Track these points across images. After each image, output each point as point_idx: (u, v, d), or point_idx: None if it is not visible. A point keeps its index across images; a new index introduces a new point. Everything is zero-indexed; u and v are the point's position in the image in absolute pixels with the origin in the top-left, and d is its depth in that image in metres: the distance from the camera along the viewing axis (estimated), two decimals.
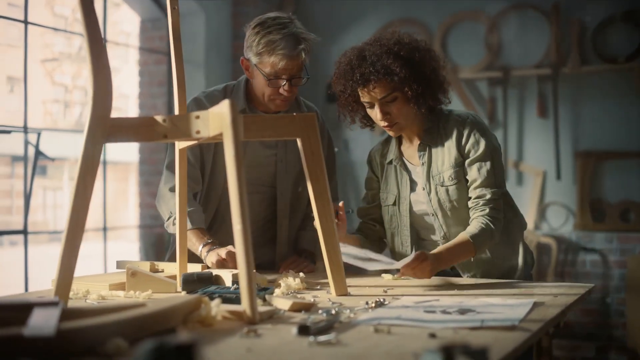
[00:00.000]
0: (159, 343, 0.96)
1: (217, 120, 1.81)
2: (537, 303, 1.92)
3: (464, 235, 2.39)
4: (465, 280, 2.48)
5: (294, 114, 2.13)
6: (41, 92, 16.18)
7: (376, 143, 2.79)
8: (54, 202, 17.54)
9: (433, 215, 2.54)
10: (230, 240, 2.70)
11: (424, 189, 2.56)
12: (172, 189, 2.60)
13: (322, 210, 2.10)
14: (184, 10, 5.65)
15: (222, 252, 2.45)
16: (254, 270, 2.46)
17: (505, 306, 1.87)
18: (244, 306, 1.68)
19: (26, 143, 4.57)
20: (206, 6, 5.67)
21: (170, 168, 2.65)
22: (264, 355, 1.35)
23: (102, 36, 1.89)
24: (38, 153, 4.47)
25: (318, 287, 2.30)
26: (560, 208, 5.41)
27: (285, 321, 1.68)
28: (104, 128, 1.90)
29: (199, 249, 2.57)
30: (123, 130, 1.93)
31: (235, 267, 2.40)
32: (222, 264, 2.42)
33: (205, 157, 2.69)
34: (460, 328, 1.59)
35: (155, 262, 2.46)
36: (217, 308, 1.65)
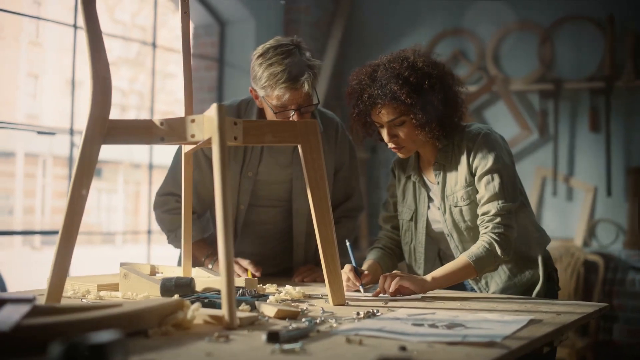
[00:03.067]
0: (70, 342, 0.95)
1: (208, 124, 1.82)
2: (534, 320, 1.86)
3: (463, 258, 2.33)
4: (472, 294, 2.42)
5: (295, 120, 2.11)
6: None
7: None
8: (108, 204, 17.92)
9: (449, 235, 2.49)
10: (240, 248, 2.71)
11: (439, 208, 2.51)
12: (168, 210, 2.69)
13: (321, 218, 2.07)
14: (234, 17, 5.71)
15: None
16: (256, 277, 2.48)
17: (499, 322, 1.81)
18: (223, 311, 1.67)
19: (72, 145, 4.67)
20: (257, 13, 5.71)
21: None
22: None
23: (102, 36, 1.91)
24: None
25: (320, 295, 2.28)
26: (610, 225, 5.25)
27: (264, 328, 1.67)
28: (103, 129, 1.92)
29: (202, 262, 2.61)
30: (121, 132, 1.94)
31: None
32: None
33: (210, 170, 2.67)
34: (437, 342, 1.55)
35: (157, 265, 2.47)
36: (192, 312, 1.64)
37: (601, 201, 5.28)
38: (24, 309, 1.44)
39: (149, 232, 5.62)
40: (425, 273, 2.54)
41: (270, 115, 2.54)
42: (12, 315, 1.39)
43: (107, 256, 11.26)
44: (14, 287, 5.01)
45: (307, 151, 2.06)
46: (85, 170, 1.91)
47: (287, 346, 1.44)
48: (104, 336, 0.98)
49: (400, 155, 2.50)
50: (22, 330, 1.32)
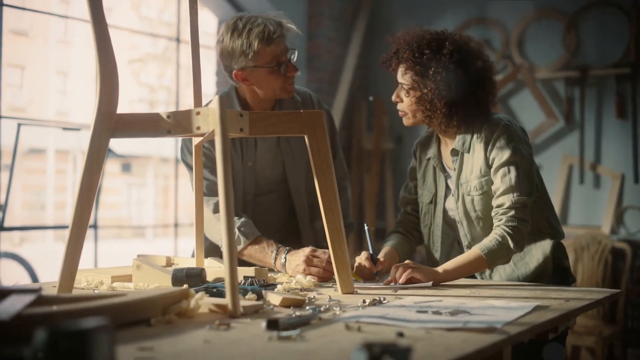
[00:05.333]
0: (53, 329, 0.98)
1: (213, 116, 1.84)
2: (540, 307, 1.86)
3: (475, 250, 2.32)
4: (482, 282, 2.42)
5: (301, 110, 2.12)
6: (127, 92, 16.74)
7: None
8: (138, 198, 18.09)
9: (459, 223, 2.49)
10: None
11: (452, 195, 2.51)
12: (216, 210, 2.61)
13: (328, 207, 2.09)
14: (257, 10, 5.72)
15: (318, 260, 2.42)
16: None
17: (504, 309, 1.81)
18: (227, 300, 1.69)
19: None
20: (280, 7, 5.71)
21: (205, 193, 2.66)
22: (218, 347, 1.36)
23: (109, 31, 1.94)
24: (107, 150, 4.61)
25: (330, 285, 2.29)
26: (638, 212, 5.19)
27: (267, 316, 1.69)
28: (110, 123, 1.95)
29: (272, 257, 2.53)
30: (129, 125, 1.97)
31: (327, 269, 2.40)
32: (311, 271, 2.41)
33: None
34: (436, 328, 1.55)
35: (172, 257, 2.50)
36: (196, 301, 1.67)
37: (628, 188, 5.23)
38: (28, 299, 1.48)
39: (176, 225, 5.67)
40: (442, 257, 2.55)
41: (268, 85, 2.58)
42: (15, 305, 1.42)
43: (137, 250, 11.38)
44: (45, 281, 5.10)
45: (313, 141, 2.08)
46: (94, 164, 1.95)
47: (284, 333, 1.46)
48: (88, 323, 1.00)
49: (404, 121, 2.51)
50: (22, 320, 1.35)
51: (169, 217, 16.63)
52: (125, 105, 16.12)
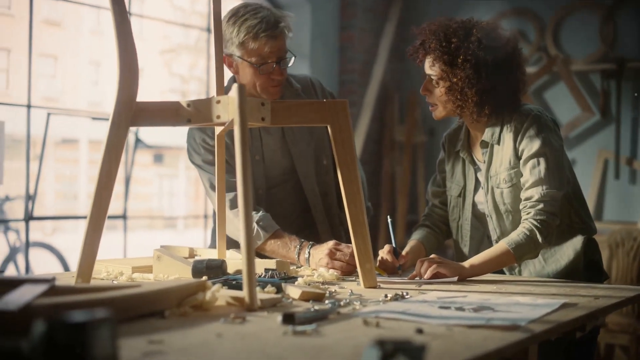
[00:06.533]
0: (51, 321, 0.95)
1: (233, 105, 1.80)
2: (567, 304, 1.80)
3: (502, 244, 2.26)
4: (510, 277, 2.37)
5: (324, 100, 2.08)
6: (159, 82, 16.79)
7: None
8: (170, 189, 18.12)
9: (488, 216, 2.43)
10: None
11: (482, 188, 2.45)
12: (232, 207, 2.55)
13: (351, 198, 2.04)
14: (289, 1, 5.68)
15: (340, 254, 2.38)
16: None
17: (529, 306, 1.76)
18: (244, 293, 1.65)
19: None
20: None
21: (214, 188, 2.63)
22: (229, 341, 1.33)
23: (129, 19, 1.92)
24: (137, 141, 4.62)
25: (354, 278, 2.25)
26: None
27: (285, 310, 1.65)
28: (130, 112, 1.92)
29: (295, 252, 2.48)
30: (148, 114, 1.95)
31: (350, 262, 2.36)
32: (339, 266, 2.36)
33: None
34: (457, 325, 1.50)
35: (195, 248, 2.47)
36: (212, 293, 1.63)
37: None
38: (39, 289, 1.45)
39: (205, 216, 5.67)
40: (471, 252, 2.49)
41: (249, 79, 2.53)
42: (25, 295, 1.40)
43: (169, 240, 11.42)
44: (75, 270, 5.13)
45: (336, 131, 2.03)
46: (113, 154, 1.92)
47: (299, 328, 1.42)
48: (88, 315, 0.97)
49: (434, 114, 2.45)
50: (31, 310, 1.33)
51: (199, 208, 16.71)
52: (157, 95, 16.18)
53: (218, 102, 1.87)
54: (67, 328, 0.95)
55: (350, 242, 2.10)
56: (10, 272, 6.26)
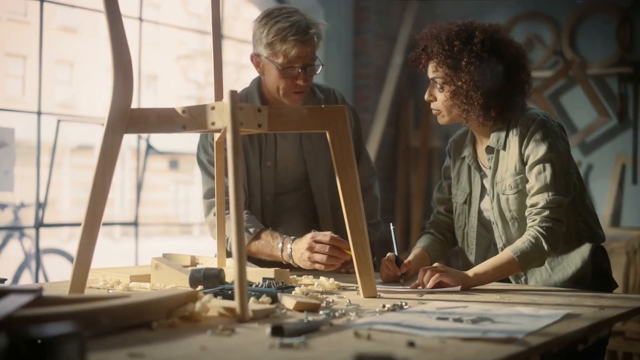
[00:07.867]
0: (14, 337, 0.92)
1: (226, 112, 1.77)
2: (570, 315, 1.75)
3: (507, 252, 2.20)
4: (514, 286, 2.31)
5: (322, 105, 2.04)
6: (175, 88, 16.80)
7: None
8: (186, 195, 18.13)
9: (494, 223, 2.38)
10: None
11: (488, 194, 2.40)
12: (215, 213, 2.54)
13: (350, 207, 2.00)
14: (302, 5, 5.63)
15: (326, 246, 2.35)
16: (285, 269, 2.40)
17: (530, 317, 1.71)
18: (235, 304, 1.62)
19: (138, 137, 4.72)
20: (326, 2, 5.64)
21: (208, 197, 2.60)
22: (213, 354, 1.29)
23: (123, 23, 1.89)
24: (148, 147, 4.60)
25: (354, 287, 2.21)
26: None
27: (278, 321, 1.61)
28: (125, 118, 1.90)
29: (278, 249, 2.44)
30: (143, 120, 1.92)
31: (331, 254, 2.33)
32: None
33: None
34: (452, 338, 1.46)
35: (197, 256, 2.44)
36: (202, 304, 1.60)
37: None
38: (24, 299, 1.43)
39: None
40: (477, 260, 2.43)
41: (273, 81, 2.51)
42: (8, 305, 1.37)
43: (184, 247, 11.43)
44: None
45: (335, 138, 1.99)
46: (108, 160, 1.90)
47: (287, 340, 1.38)
48: (54, 329, 0.93)
49: (439, 120, 2.41)
50: (13, 321, 1.30)
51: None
52: (174, 102, 16.21)
53: (213, 108, 1.84)
54: (29, 343, 0.92)
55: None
56: (26, 278, 6.28)
